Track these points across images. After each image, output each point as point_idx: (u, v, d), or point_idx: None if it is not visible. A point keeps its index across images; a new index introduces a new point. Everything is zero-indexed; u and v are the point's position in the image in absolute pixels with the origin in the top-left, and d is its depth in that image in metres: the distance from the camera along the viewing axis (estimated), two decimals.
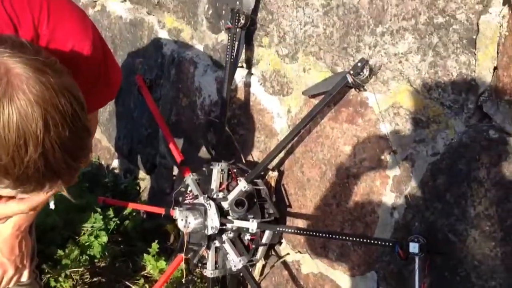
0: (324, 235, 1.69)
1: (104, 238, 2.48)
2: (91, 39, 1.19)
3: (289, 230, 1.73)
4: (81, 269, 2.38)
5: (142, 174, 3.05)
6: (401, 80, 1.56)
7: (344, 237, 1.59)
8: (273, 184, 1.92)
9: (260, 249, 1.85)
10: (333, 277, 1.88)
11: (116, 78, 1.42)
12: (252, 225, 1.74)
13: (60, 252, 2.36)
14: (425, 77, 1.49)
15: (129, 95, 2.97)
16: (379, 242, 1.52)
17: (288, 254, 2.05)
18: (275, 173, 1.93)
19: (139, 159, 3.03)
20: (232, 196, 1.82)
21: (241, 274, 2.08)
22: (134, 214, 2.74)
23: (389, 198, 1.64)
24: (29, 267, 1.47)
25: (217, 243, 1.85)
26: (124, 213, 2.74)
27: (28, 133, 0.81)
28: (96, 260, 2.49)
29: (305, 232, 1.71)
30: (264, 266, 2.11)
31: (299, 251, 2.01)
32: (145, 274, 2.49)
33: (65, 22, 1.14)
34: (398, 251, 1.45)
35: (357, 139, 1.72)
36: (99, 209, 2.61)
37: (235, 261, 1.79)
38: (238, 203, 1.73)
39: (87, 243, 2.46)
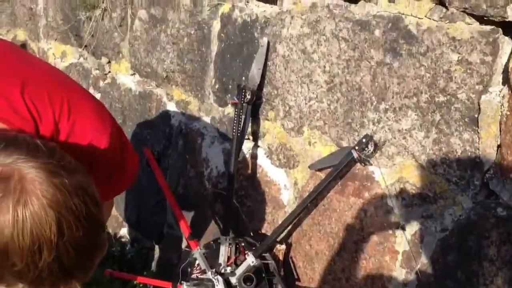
0: None
1: None
2: (109, 131, 1.23)
3: None
4: None
5: (150, 243, 3.04)
6: (406, 156, 1.58)
7: None
8: (281, 257, 1.91)
9: None
10: None
11: (133, 164, 1.46)
12: None
13: None
14: (429, 153, 1.51)
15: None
16: None
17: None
18: (283, 246, 1.91)
19: (147, 228, 3.03)
20: (240, 271, 1.80)
21: None
22: (140, 286, 2.70)
23: (399, 274, 1.62)
24: None
25: None
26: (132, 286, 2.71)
27: (42, 238, 0.82)
28: None
29: None
30: None
31: None
32: None
33: (84, 117, 1.17)
34: None
35: (364, 213, 1.71)
36: (105, 282, 2.58)
37: None
38: (246, 278, 1.71)
39: None
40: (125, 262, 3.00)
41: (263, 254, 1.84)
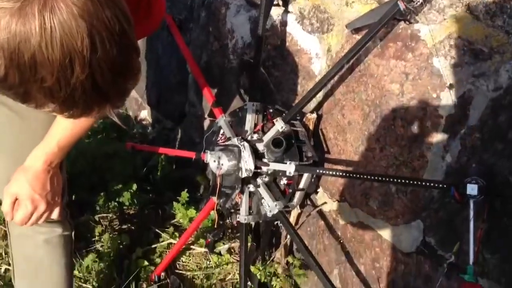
0: (369, 177, 1.56)
1: (133, 186, 2.41)
2: None
3: (330, 173, 1.60)
4: (110, 215, 2.33)
5: (171, 124, 2.96)
6: (460, 7, 1.40)
7: (391, 180, 1.46)
8: (311, 127, 1.80)
9: (297, 194, 1.74)
10: (374, 226, 1.77)
11: (159, 8, 1.31)
12: (289, 167, 1.62)
13: (89, 198, 2.31)
14: (488, 2, 1.33)
15: (157, 40, 2.86)
16: (432, 184, 1.39)
17: (325, 203, 1.95)
18: (314, 115, 1.80)
19: (168, 108, 2.94)
20: (268, 137, 1.70)
21: (276, 223, 1.99)
22: (163, 163, 2.67)
23: (441, 139, 1.50)
24: (60, 204, 1.40)
25: (251, 188, 1.75)
26: (153, 162, 2.67)
27: (73, 52, 0.71)
28: (125, 208, 2.44)
29: (347, 175, 1.58)
30: (299, 215, 2.01)
31: (337, 200, 1.90)
32: (175, 223, 2.43)
33: None
34: (453, 194, 1.32)
35: (406, 77, 1.57)
36: (128, 157, 2.54)
37: (270, 206, 1.69)
38: (276, 143, 1.61)
39: (116, 190, 2.40)
40: (146, 144, 2.95)
41: (292, 121, 1.73)
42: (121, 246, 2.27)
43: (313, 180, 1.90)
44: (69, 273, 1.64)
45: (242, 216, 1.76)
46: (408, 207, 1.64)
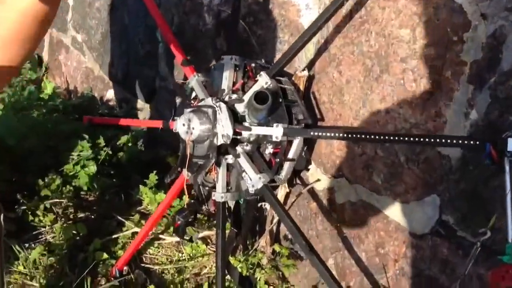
0: (379, 137, 1.26)
1: (92, 168, 2.08)
2: None
3: (329, 134, 1.31)
4: (64, 201, 1.99)
5: (140, 103, 2.64)
6: None
7: (406, 139, 1.17)
8: (301, 87, 1.50)
9: (286, 166, 1.43)
10: (378, 205, 1.48)
11: None
12: (276, 130, 1.32)
13: (39, 181, 1.97)
14: None
15: (122, 9, 2.54)
16: (458, 142, 1.10)
17: (318, 180, 1.65)
18: (305, 73, 1.50)
19: (137, 85, 2.62)
20: (249, 95, 1.40)
21: (260, 205, 1.68)
22: (129, 144, 2.34)
23: (463, 92, 1.22)
24: None
25: (229, 159, 1.45)
26: (118, 143, 2.34)
27: None
28: (82, 193, 2.10)
29: (351, 136, 1.29)
30: (287, 196, 1.71)
31: (332, 176, 1.61)
32: (142, 210, 2.10)
33: None
34: (489, 152, 1.03)
35: (419, 18, 1.28)
36: (87, 137, 2.21)
37: (253, 180, 1.38)
38: (260, 97, 1.30)
39: (72, 173, 2.06)
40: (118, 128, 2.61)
41: (279, 78, 1.43)
42: (76, 238, 1.93)
43: (303, 153, 1.60)
44: None
45: (218, 194, 1.45)
46: (421, 180, 1.35)
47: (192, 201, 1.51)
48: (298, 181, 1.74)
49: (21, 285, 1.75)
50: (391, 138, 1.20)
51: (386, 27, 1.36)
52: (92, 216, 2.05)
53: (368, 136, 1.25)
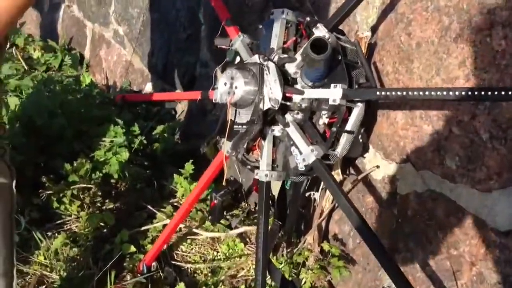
0: (462, 93, 0.99)
1: (124, 155, 1.91)
2: None
3: (400, 94, 1.07)
4: (93, 188, 1.82)
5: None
6: None
7: (493, 93, 0.92)
8: (364, 49, 1.27)
9: (343, 139, 1.20)
10: (452, 196, 1.22)
11: None
12: (335, 92, 1.10)
13: (67, 166, 1.81)
14: None
15: None
16: None
17: (377, 167, 1.40)
18: (367, 34, 1.28)
19: (175, 75, 2.45)
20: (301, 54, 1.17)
21: (308, 195, 1.45)
22: (165, 135, 2.16)
23: None
24: None
25: (276, 131, 1.23)
26: (153, 132, 2.17)
27: None
28: (112, 181, 1.93)
29: (427, 93, 1.04)
30: (341, 184, 1.47)
31: (395, 162, 1.36)
32: (175, 203, 1.90)
33: None
34: None
35: None
36: (121, 122, 2.05)
37: (304, 153, 1.16)
38: (317, 45, 1.08)
39: (103, 159, 1.89)
40: (150, 119, 2.45)
41: (339, 36, 1.21)
42: (103, 228, 1.75)
43: (360, 136, 1.37)
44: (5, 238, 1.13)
45: (263, 172, 1.23)
46: (509, 162, 1.09)
47: (232, 178, 1.30)
48: (352, 172, 1.50)
49: (39, 276, 1.58)
50: (476, 93, 0.95)
51: None
52: (122, 206, 1.87)
53: (452, 93, 1.00)
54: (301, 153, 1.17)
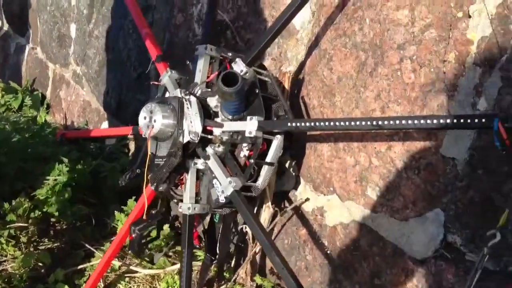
0: (367, 123, 1.01)
1: (67, 194, 1.88)
2: None
3: (308, 124, 1.09)
4: (31, 228, 1.78)
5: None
6: None
7: (400, 122, 0.96)
8: (286, 84, 1.31)
9: (264, 171, 1.21)
10: (374, 226, 1.24)
11: None
12: (251, 124, 1.12)
13: (6, 205, 1.78)
14: None
15: (118, 34, 2.44)
16: (461, 121, 0.87)
17: (307, 200, 1.42)
18: (290, 69, 1.32)
19: (128, 113, 2.46)
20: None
21: (241, 228, 1.45)
22: (113, 172, 2.15)
23: (469, 78, 1.01)
24: None
25: (199, 164, 1.23)
26: (100, 170, 2.16)
27: None
28: (53, 220, 1.89)
29: (335, 124, 1.06)
30: (273, 219, 1.47)
31: (322, 193, 1.38)
32: None
33: None
34: (497, 129, 0.80)
35: None
36: (66, 160, 2.03)
37: (223, 184, 1.16)
38: (226, 78, 1.10)
39: (45, 198, 1.87)
40: (103, 158, 2.43)
41: (259, 70, 1.24)
42: (40, 269, 1.71)
43: (291, 169, 1.39)
44: None
45: (185, 205, 1.23)
46: (422, 191, 1.12)
47: (153, 212, 1.29)
48: (287, 205, 1.51)
49: None
50: (379, 123, 0.98)
51: (382, 11, 1.18)
52: (60, 245, 1.83)
53: (354, 123, 1.03)
54: (220, 184, 1.18)
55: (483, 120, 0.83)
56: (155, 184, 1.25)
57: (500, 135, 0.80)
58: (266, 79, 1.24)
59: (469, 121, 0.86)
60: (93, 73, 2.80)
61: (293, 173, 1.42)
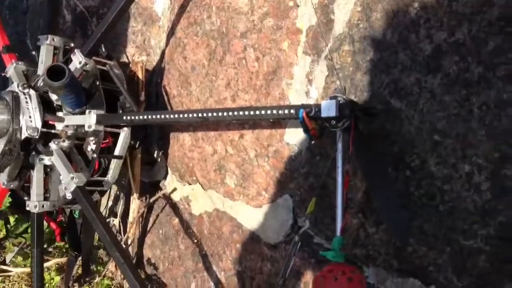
0: (198, 115, 1.01)
1: None
2: None
3: (146, 117, 1.08)
4: None
5: None
6: None
7: (227, 113, 0.95)
8: (140, 74, 1.28)
9: (113, 165, 1.19)
10: (233, 212, 1.25)
11: None
12: (89, 118, 1.09)
13: None
14: None
15: None
16: (275, 112, 0.88)
17: (174, 190, 1.41)
18: (143, 58, 1.29)
19: None
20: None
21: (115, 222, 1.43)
22: None
23: (302, 66, 1.02)
24: None
25: (46, 160, 1.20)
26: None
27: None
28: None
29: (170, 116, 1.05)
30: (143, 213, 1.46)
31: (187, 183, 1.37)
32: None
33: None
34: (302, 119, 0.82)
35: None
36: None
37: (65, 180, 1.13)
38: (52, 71, 1.06)
39: None
40: None
41: (105, 61, 1.20)
42: None
43: (159, 159, 1.37)
44: None
45: (32, 203, 1.19)
46: (272, 177, 1.13)
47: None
48: (160, 194, 1.50)
49: None
50: (204, 115, 0.98)
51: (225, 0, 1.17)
52: None
53: (182, 115, 1.02)
54: (64, 181, 1.15)
55: (291, 111, 0.85)
56: (5, 181, 1.20)
57: (305, 125, 0.81)
58: (114, 70, 1.20)
59: (281, 112, 0.87)
60: None
61: (162, 163, 1.41)
